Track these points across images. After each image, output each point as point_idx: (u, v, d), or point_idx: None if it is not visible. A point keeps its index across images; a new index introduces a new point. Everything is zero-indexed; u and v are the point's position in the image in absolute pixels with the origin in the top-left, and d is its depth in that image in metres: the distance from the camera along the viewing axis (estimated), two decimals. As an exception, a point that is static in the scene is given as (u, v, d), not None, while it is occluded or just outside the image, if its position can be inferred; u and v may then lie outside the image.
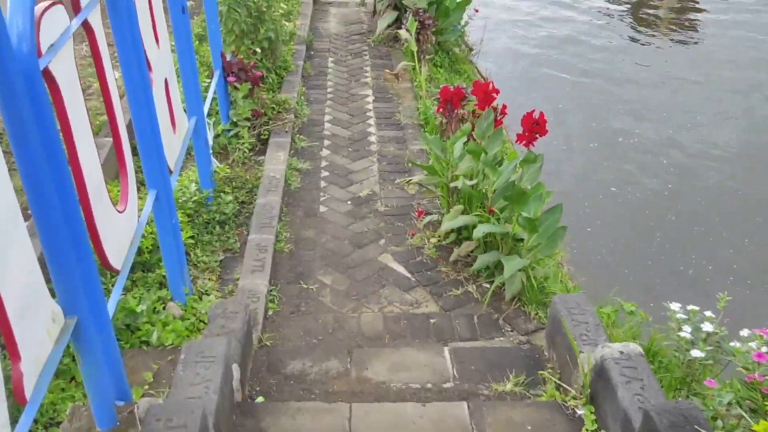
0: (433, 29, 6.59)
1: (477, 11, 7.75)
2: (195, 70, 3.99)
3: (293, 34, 7.12)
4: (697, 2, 12.00)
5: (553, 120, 6.92)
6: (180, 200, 3.95)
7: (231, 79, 4.95)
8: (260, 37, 5.63)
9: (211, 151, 4.41)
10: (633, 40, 10.46)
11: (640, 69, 9.39)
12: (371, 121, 5.65)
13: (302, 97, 5.97)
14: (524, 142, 3.40)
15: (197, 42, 6.25)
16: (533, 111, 3.39)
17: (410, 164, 4.82)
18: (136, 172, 2.99)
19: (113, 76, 2.48)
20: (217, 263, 3.72)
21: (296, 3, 8.39)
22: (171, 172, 3.17)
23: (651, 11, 11.67)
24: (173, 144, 3.41)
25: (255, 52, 5.65)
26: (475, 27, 8.52)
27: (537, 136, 3.38)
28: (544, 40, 10.62)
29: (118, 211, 2.48)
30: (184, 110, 3.86)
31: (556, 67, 9.37)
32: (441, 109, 4.01)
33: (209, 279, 3.58)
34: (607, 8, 12.21)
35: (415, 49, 5.97)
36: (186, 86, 3.93)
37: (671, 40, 10.41)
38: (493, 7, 11.38)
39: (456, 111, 3.74)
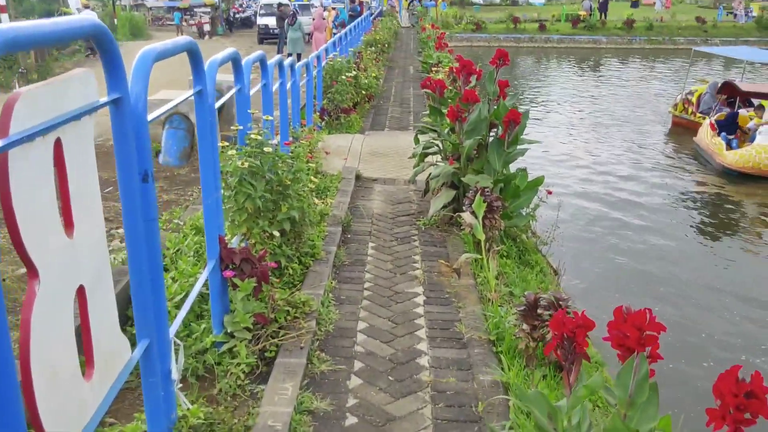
0: (501, 212, 5.23)
1: (550, 193, 6.45)
2: (159, 265, 2.58)
3: (325, 215, 5.87)
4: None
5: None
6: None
7: (228, 273, 3.54)
8: (281, 217, 4.31)
9: (177, 387, 2.87)
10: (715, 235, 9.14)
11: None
12: (422, 333, 4.10)
13: (330, 296, 4.50)
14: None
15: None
16: (641, 313, 1.90)
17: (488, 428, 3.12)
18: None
19: None
20: None
21: (335, 179, 7.29)
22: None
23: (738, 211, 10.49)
24: (82, 395, 1.91)
25: (272, 236, 4.32)
26: (544, 210, 7.20)
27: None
28: (618, 228, 9.30)
29: None
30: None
31: (638, 260, 7.90)
32: (555, 348, 2.29)
33: None
34: (678, 191, 11.31)
35: (482, 237, 4.55)
36: (138, 293, 2.48)
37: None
38: (563, 188, 10.43)
39: (578, 353, 2.15)
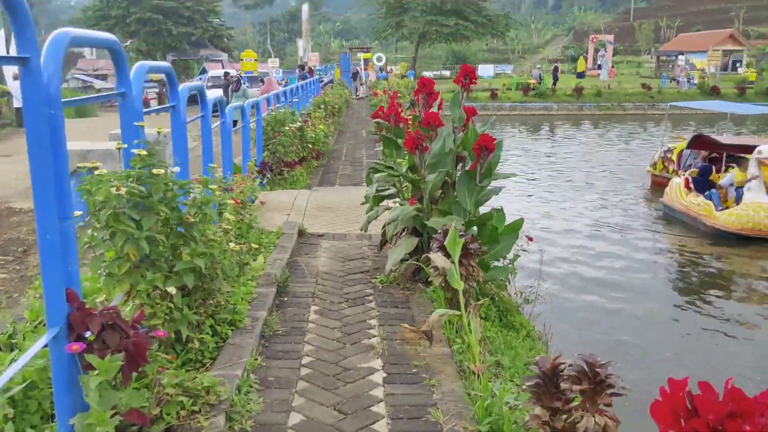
0: (480, 258, 4.09)
1: (531, 240, 5.36)
2: None
3: (259, 271, 4.63)
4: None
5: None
6: None
7: (75, 347, 2.26)
8: (180, 268, 3.07)
9: None
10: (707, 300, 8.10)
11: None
12: (382, 426, 2.84)
13: (252, 377, 3.22)
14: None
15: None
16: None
17: None
18: None
19: None
20: None
21: (273, 236, 6.08)
22: None
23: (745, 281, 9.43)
24: None
25: (166, 295, 3.05)
26: (525, 262, 6.09)
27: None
28: (609, 282, 8.29)
29: None
30: None
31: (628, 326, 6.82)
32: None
33: None
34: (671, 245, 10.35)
35: (460, 286, 3.37)
36: None
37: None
38: (543, 233, 9.45)
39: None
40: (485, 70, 52.05)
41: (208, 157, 6.45)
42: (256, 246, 5.35)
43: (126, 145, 3.12)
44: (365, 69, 36.99)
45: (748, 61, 47.19)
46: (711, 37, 50.81)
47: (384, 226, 5.41)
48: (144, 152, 2.98)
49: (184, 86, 4.63)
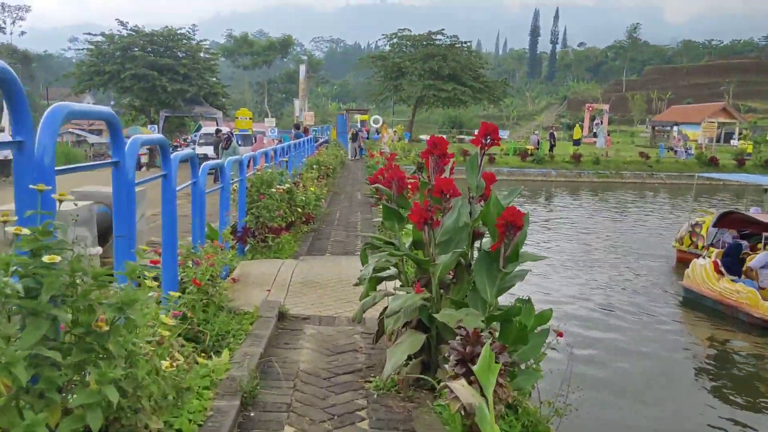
0: (508, 369, 3.08)
1: (561, 335, 4.35)
2: None
3: (221, 374, 3.59)
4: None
5: None
6: None
7: None
8: (83, 401, 2.04)
9: None
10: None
11: None
12: None
13: None
14: None
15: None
16: None
17: None
18: None
19: None
20: None
21: (247, 319, 5.06)
22: None
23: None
24: None
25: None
26: (550, 362, 5.05)
27: None
28: (642, 388, 7.25)
29: None
30: None
31: None
32: None
33: None
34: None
35: (494, 429, 2.35)
36: None
37: None
38: (559, 322, 8.27)
39: None
40: (481, 135, 51.87)
41: (199, 230, 5.67)
42: (220, 335, 4.32)
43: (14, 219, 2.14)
44: (365, 129, 36.68)
45: (745, 133, 47.31)
46: (704, 109, 51.22)
47: (381, 315, 4.40)
48: (34, 229, 2.01)
49: (176, 155, 4.64)
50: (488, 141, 3.95)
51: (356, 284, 4.69)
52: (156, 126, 35.53)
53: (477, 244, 4.18)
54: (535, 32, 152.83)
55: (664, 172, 33.65)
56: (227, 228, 6.36)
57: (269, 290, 6.16)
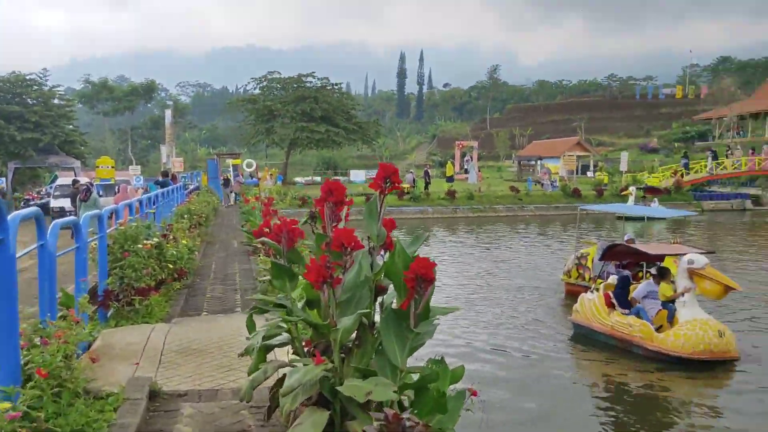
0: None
1: (475, 394, 3.94)
2: None
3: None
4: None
5: None
6: None
7: None
8: None
9: None
10: None
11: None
12: None
13: None
14: None
15: None
16: None
17: None
18: None
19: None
20: None
21: (111, 405, 4.24)
22: None
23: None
24: None
25: None
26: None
27: None
28: None
29: None
30: None
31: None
32: None
33: None
34: None
35: None
36: None
37: None
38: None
39: None
40: (356, 176, 52.33)
41: (49, 301, 4.76)
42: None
43: None
44: (239, 174, 35.52)
45: (600, 165, 50.90)
46: (562, 144, 54.74)
47: (274, 387, 3.79)
48: None
49: (15, 215, 3.92)
50: (388, 184, 3.51)
51: (242, 354, 4.04)
52: (4, 179, 32.46)
53: (379, 299, 3.71)
54: (402, 74, 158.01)
55: (534, 204, 35.28)
56: (84, 295, 5.46)
57: (137, 363, 5.32)
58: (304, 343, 4.05)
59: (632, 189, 30.69)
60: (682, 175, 40.09)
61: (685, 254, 9.91)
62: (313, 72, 49.33)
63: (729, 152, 46.14)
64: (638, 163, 51.67)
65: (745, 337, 10.42)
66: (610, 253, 11.59)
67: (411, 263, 3.25)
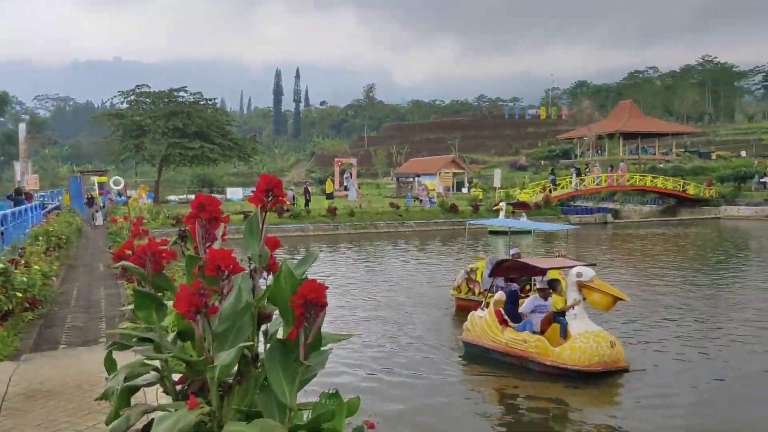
0: None
1: (372, 426, 3.59)
2: None
3: None
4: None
5: None
6: None
7: None
8: None
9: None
10: None
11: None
12: None
13: None
14: None
15: None
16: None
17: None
18: None
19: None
20: None
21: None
22: None
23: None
24: None
25: None
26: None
27: None
28: None
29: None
30: None
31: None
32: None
33: None
34: None
35: None
36: None
37: None
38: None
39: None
40: (234, 193, 50.88)
41: None
42: None
43: None
44: (105, 193, 33.25)
45: (475, 182, 52.77)
46: (438, 161, 56.33)
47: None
48: None
49: None
50: (271, 198, 3.12)
51: (99, 398, 3.45)
52: None
53: (263, 327, 3.29)
54: (278, 91, 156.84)
55: (413, 219, 35.76)
56: None
57: (-27, 414, 4.51)
58: (177, 380, 3.54)
59: (502, 204, 31.85)
60: (550, 191, 42.35)
61: (573, 267, 10.02)
62: (185, 86, 47.47)
63: (587, 170, 49.48)
64: (510, 180, 54.09)
65: (628, 346, 10.76)
66: (499, 268, 11.47)
67: (299, 287, 2.87)
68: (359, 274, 20.86)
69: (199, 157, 44.25)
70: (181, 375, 3.53)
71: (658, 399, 8.76)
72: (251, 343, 3.02)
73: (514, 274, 11.56)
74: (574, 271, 9.75)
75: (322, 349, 2.98)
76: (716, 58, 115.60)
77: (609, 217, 40.64)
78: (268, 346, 3.05)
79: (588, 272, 9.62)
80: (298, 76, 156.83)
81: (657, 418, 8.14)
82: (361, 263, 23.59)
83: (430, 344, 11.73)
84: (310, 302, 2.82)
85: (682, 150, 65.91)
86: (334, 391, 3.20)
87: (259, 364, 3.21)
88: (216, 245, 3.16)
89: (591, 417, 8.44)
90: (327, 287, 2.88)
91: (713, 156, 62.84)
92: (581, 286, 9.52)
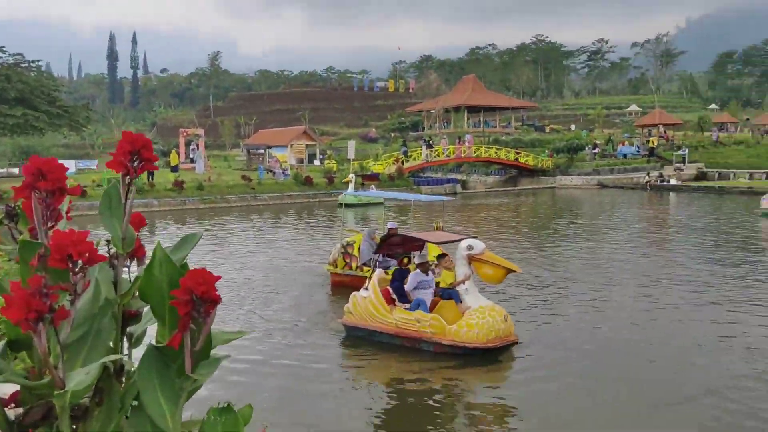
0: None
1: (266, 436, 3.01)
2: None
3: None
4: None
5: None
6: None
7: None
8: None
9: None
10: None
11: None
12: None
13: None
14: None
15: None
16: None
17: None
18: None
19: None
20: None
21: None
22: None
23: None
24: None
25: None
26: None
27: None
28: None
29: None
30: None
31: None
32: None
33: None
34: None
35: None
36: None
37: None
38: None
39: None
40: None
41: None
42: None
43: None
44: None
45: (329, 154, 52.37)
46: (289, 133, 55.19)
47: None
48: None
49: None
50: (138, 163, 2.38)
51: None
52: None
53: (129, 329, 2.56)
54: (112, 56, 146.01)
55: (266, 193, 34.68)
56: None
57: None
58: (8, 398, 2.72)
59: (351, 176, 31.82)
60: (402, 163, 43.01)
61: (459, 240, 9.66)
62: (2, 47, 42.38)
63: (431, 141, 51.00)
64: (362, 152, 54.38)
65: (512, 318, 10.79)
66: (385, 244, 10.86)
67: (181, 278, 2.20)
68: (213, 251, 19.65)
69: (22, 125, 39.87)
70: (14, 392, 2.72)
71: (546, 370, 8.91)
72: (118, 356, 2.32)
73: (401, 249, 11.05)
74: (464, 244, 9.36)
75: (213, 358, 2.34)
76: (548, 37, 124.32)
77: (458, 188, 42.15)
78: (142, 354, 2.35)
79: (478, 245, 9.29)
80: (135, 41, 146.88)
81: (557, 388, 8.25)
82: (215, 239, 22.36)
83: (305, 328, 10.88)
84: (198, 297, 2.15)
85: (520, 123, 70.14)
86: (225, 405, 2.57)
87: (125, 375, 2.50)
88: (61, 225, 2.38)
89: (485, 394, 8.38)
90: (219, 277, 2.24)
91: (547, 129, 67.56)
92: (472, 259, 9.14)
